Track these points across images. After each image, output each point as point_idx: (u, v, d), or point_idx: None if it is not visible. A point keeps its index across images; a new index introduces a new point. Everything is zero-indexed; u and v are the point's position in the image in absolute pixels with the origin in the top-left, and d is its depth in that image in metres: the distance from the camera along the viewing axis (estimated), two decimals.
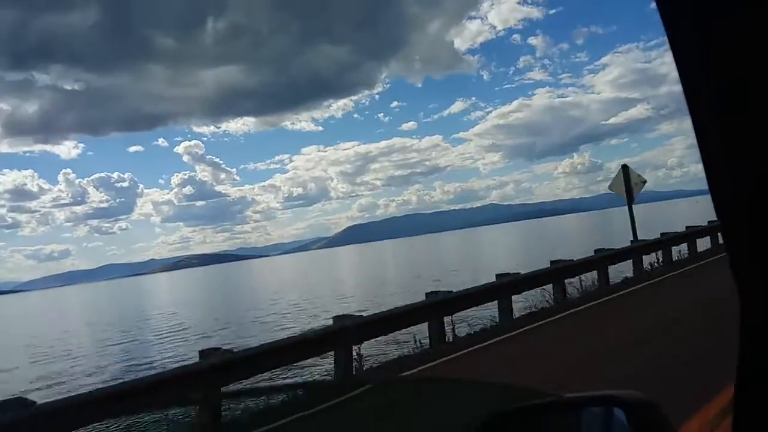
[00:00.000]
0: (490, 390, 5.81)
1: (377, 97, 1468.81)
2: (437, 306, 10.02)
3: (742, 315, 0.71)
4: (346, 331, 8.48)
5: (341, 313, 9.71)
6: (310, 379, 10.05)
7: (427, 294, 10.33)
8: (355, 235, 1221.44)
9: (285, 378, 10.15)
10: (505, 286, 11.34)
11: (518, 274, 11.87)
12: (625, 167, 17.00)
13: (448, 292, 10.38)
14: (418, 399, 6.83)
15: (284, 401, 7.83)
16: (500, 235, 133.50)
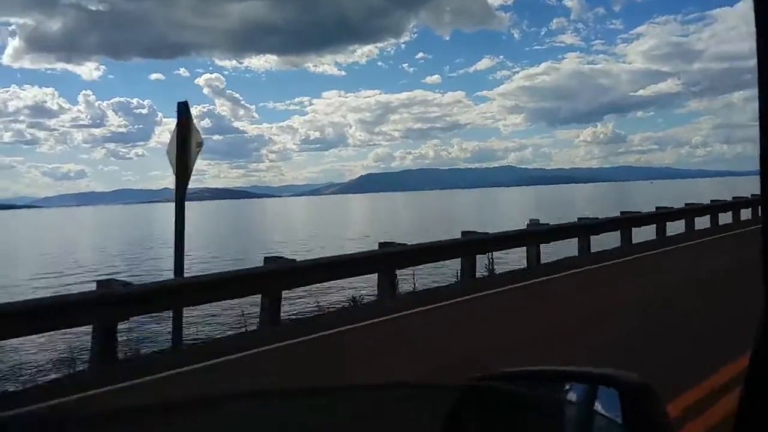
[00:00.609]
0: None
1: (403, 46, 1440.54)
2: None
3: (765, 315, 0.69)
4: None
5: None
6: None
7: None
8: (369, 183, 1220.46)
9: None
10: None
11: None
12: (185, 106, 8.56)
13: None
14: None
15: None
16: (505, 198, 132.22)
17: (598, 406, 1.01)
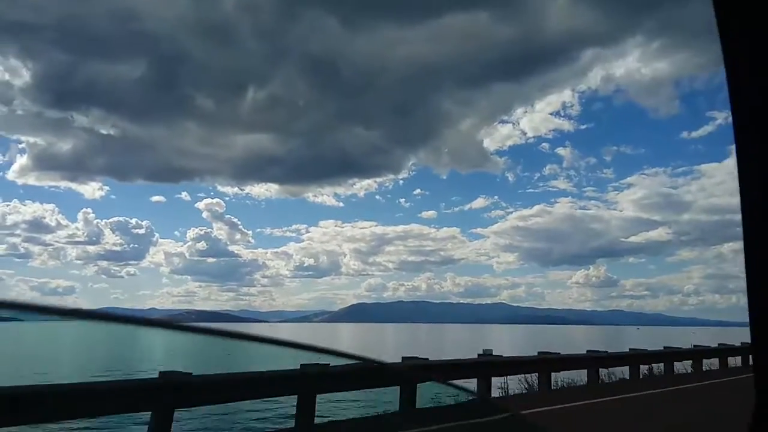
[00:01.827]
0: None
1: (401, 182, 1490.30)
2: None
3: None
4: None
5: None
6: None
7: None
8: (359, 313, 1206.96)
9: None
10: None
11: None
12: None
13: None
14: None
15: None
16: (495, 334, 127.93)
17: None
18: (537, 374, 12.98)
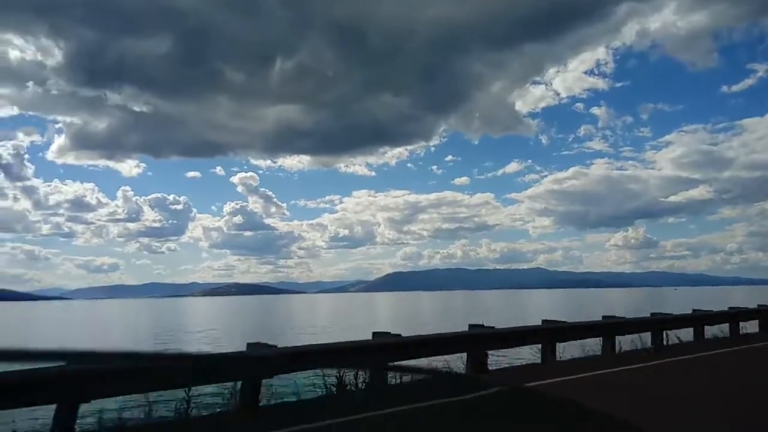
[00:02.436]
0: None
1: (433, 149, 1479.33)
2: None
3: None
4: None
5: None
6: None
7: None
8: (396, 282, 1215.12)
9: None
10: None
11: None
12: None
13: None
14: None
15: None
16: (529, 300, 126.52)
17: None
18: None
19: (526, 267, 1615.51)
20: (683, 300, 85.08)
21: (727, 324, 16.25)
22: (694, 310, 16.36)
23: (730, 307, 17.94)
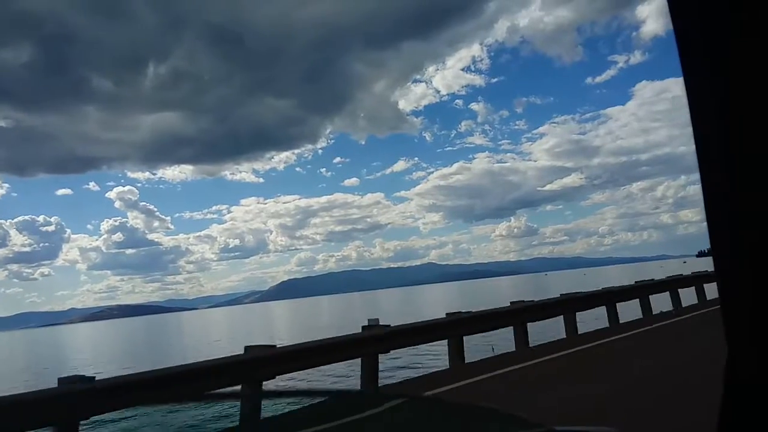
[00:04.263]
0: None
1: (320, 151, 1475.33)
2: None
3: (728, 370, 0.76)
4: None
5: None
6: None
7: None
8: (290, 289, 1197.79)
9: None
10: None
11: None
12: None
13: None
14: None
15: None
16: (418, 295, 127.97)
17: None
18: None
19: (419, 263, 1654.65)
20: (558, 283, 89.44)
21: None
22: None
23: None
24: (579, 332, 11.84)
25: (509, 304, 11.15)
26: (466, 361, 9.05)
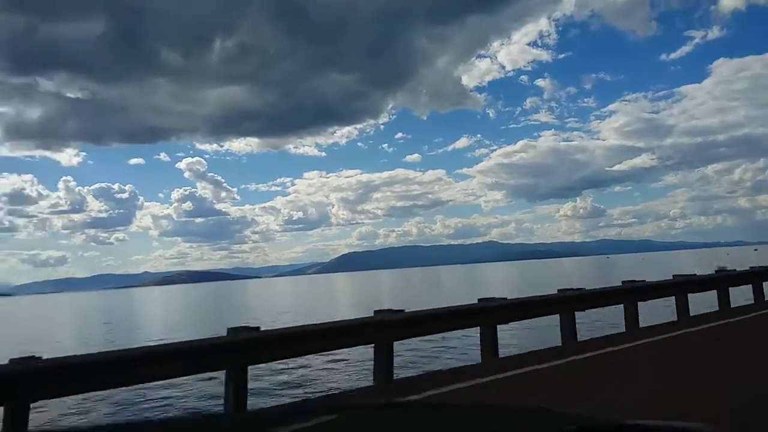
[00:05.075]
0: None
1: (382, 127, 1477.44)
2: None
3: None
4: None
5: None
6: None
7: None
8: (351, 262, 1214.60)
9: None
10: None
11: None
12: None
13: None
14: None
15: None
16: (480, 274, 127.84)
17: None
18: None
19: (480, 241, 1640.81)
20: (649, 266, 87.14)
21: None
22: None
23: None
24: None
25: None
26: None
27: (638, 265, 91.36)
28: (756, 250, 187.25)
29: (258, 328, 7.28)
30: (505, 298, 9.05)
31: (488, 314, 8.38)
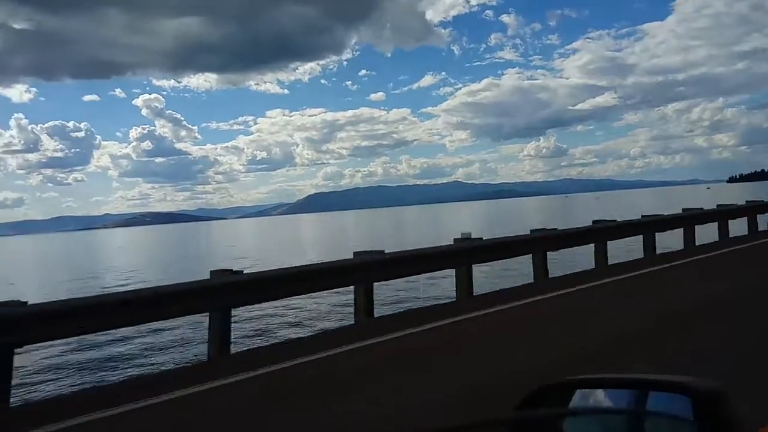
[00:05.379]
0: None
1: (345, 63, 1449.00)
2: None
3: None
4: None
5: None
6: None
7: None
8: (318, 203, 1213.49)
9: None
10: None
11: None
12: None
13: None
14: None
15: None
16: (441, 214, 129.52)
17: (672, 414, 0.99)
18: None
19: (445, 181, 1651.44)
20: (605, 206, 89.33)
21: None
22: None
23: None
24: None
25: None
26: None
27: (590, 206, 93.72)
28: (708, 188, 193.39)
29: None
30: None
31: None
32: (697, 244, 14.09)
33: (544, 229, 10.81)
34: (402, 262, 8.07)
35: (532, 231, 10.66)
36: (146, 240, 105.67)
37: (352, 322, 8.23)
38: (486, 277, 14.06)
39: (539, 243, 10.06)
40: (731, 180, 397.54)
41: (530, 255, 10.05)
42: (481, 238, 9.40)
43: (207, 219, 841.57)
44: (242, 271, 7.38)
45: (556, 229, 11.02)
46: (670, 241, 14.91)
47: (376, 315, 8.22)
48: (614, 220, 12.73)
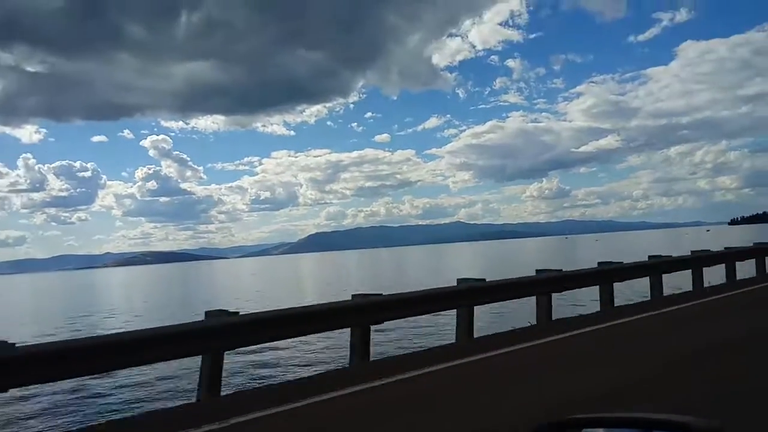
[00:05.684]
0: None
1: (352, 106, 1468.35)
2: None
3: None
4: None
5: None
6: None
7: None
8: (319, 242, 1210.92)
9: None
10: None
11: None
12: None
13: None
14: None
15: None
16: (443, 254, 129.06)
17: None
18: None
19: (447, 221, 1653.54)
20: (601, 247, 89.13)
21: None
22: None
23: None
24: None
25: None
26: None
27: (589, 247, 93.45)
28: (708, 230, 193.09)
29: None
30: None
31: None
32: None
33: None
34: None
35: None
36: (141, 279, 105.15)
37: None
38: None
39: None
40: (733, 222, 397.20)
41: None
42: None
43: (208, 258, 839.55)
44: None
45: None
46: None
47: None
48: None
